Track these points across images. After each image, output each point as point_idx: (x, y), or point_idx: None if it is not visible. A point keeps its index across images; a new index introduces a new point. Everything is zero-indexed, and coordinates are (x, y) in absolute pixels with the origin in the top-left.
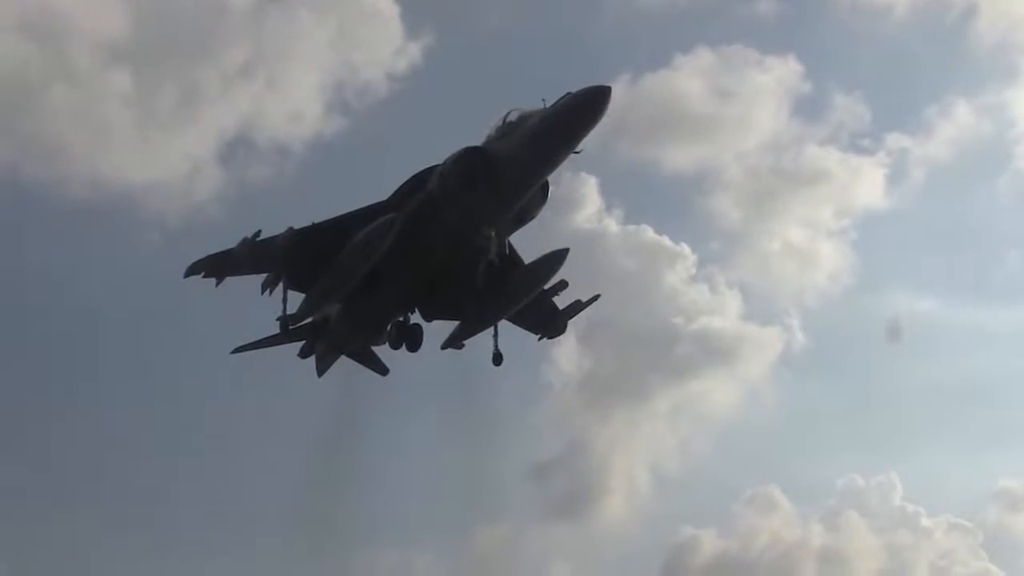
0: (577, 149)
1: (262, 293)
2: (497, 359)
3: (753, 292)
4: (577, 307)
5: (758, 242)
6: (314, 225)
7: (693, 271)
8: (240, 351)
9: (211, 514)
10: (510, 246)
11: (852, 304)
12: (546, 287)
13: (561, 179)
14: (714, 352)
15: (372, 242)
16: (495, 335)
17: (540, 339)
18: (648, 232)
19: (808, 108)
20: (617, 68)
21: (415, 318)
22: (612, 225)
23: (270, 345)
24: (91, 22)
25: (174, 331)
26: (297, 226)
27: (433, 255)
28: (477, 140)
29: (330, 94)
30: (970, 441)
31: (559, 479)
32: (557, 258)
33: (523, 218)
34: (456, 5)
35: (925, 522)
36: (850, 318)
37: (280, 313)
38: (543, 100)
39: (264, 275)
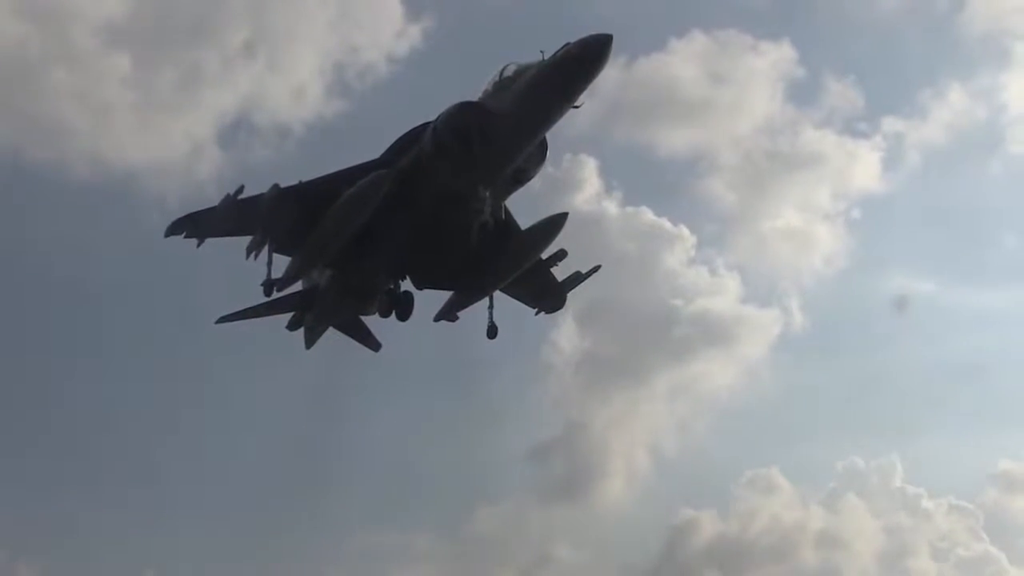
0: (577, 103)
1: (247, 257)
2: (492, 331)
3: (751, 274)
4: (577, 279)
5: (755, 225)
6: (301, 183)
7: (692, 253)
8: (225, 321)
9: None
10: (507, 211)
11: (850, 286)
12: (544, 256)
13: (561, 160)
14: (713, 334)
15: (362, 198)
16: (490, 306)
17: (537, 314)
18: (648, 214)
19: (802, 93)
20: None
21: (406, 286)
22: (611, 207)
23: (257, 316)
24: (91, 4)
25: (165, 302)
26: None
27: (425, 215)
28: None
29: (330, 76)
30: (970, 423)
31: (558, 460)
32: (556, 222)
33: (521, 178)
34: None
35: (926, 504)
36: (848, 300)
37: (266, 276)
38: (541, 52)
39: (249, 238)
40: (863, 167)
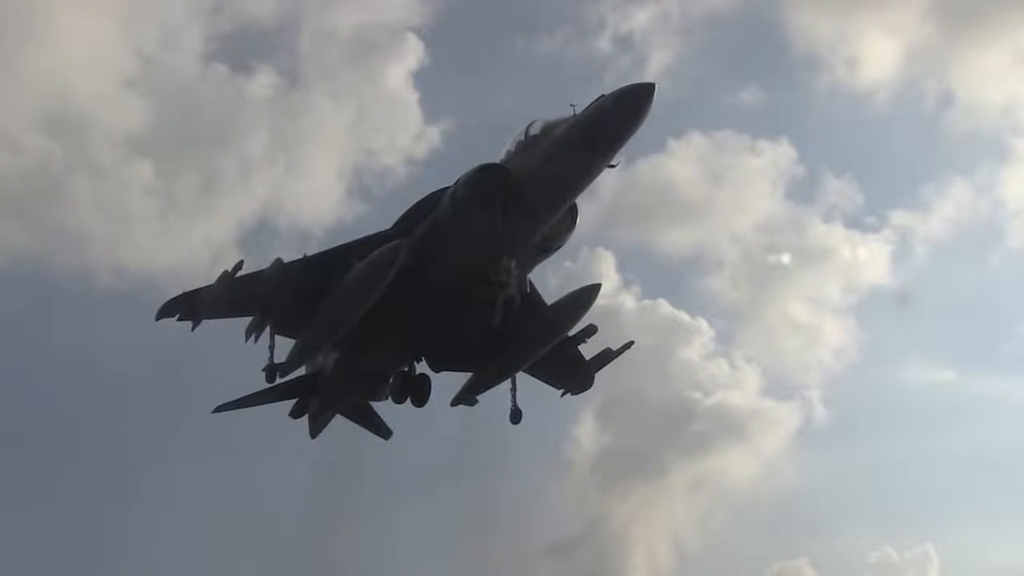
0: (613, 162)
1: (246, 339)
2: (515, 416)
3: (768, 369)
4: (607, 356)
5: (767, 320)
6: (306, 256)
7: (712, 347)
8: (223, 409)
9: None
10: (531, 284)
11: (867, 378)
12: (572, 333)
13: (579, 255)
14: (732, 427)
15: (373, 273)
16: (513, 388)
17: (563, 395)
18: (665, 307)
19: (801, 191)
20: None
21: (422, 367)
22: (628, 300)
23: (257, 403)
24: (111, 117)
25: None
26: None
27: (443, 290)
28: None
29: (350, 179)
30: (999, 513)
31: (580, 557)
32: (587, 295)
33: (548, 247)
34: (473, 88)
35: None
36: (866, 392)
37: (266, 362)
38: (572, 106)
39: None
40: (870, 261)
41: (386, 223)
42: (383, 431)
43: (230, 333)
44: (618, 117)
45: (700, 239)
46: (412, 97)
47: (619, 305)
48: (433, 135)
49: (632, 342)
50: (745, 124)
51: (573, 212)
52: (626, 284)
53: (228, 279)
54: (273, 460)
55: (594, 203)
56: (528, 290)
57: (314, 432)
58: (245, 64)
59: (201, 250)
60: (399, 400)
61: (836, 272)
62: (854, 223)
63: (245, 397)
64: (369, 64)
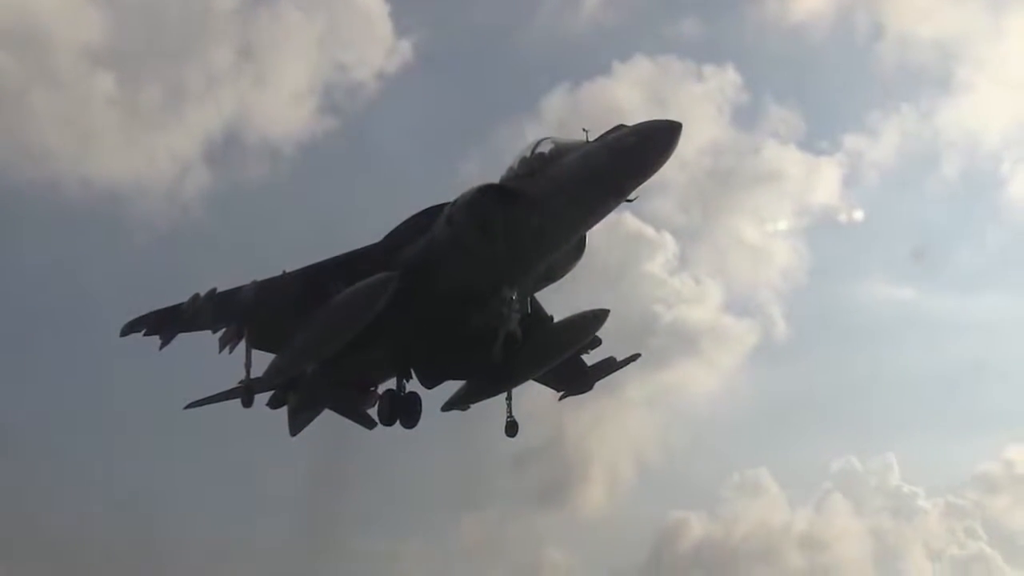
0: (631, 197)
1: (220, 351)
2: (511, 429)
3: (728, 286)
4: (610, 366)
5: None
6: (285, 275)
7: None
8: (195, 406)
9: None
10: (534, 300)
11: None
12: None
13: None
14: (692, 342)
15: (358, 306)
16: (508, 398)
17: (562, 398)
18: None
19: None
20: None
21: (412, 381)
22: None
23: (231, 398)
24: (71, 28)
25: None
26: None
27: (436, 318)
28: (469, 137)
29: (320, 95)
30: (954, 426)
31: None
32: (595, 320)
33: (551, 275)
34: (445, 3)
35: (922, 503)
36: (826, 309)
37: (244, 377)
38: (585, 131)
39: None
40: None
41: (357, 140)
42: (367, 421)
43: None
44: (639, 158)
45: None
46: (383, 9)
47: None
48: (405, 49)
49: (638, 354)
50: (688, 52)
51: (581, 240)
52: None
53: (200, 302)
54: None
55: (541, 126)
56: (529, 311)
57: (294, 429)
58: None
59: (167, 164)
60: (387, 423)
61: (788, 194)
62: (806, 147)
63: (219, 394)
64: None
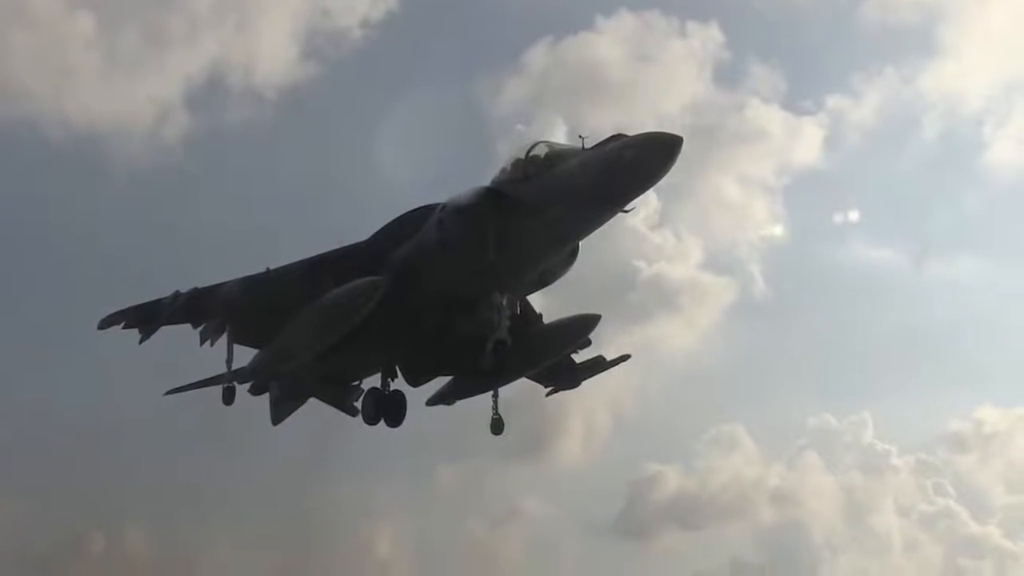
0: (627, 208)
1: (201, 344)
2: (497, 426)
3: (708, 244)
4: (598, 366)
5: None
6: (269, 272)
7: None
8: (176, 392)
9: None
10: (525, 300)
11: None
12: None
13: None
14: (671, 298)
15: (344, 310)
16: (495, 396)
17: (549, 393)
18: None
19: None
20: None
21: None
22: None
23: (212, 384)
24: None
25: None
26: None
27: (424, 321)
28: (453, 89)
29: (303, 41)
30: (931, 383)
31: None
32: (586, 324)
33: (544, 280)
34: None
35: (895, 461)
36: (801, 268)
37: (226, 372)
38: (581, 137)
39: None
40: (802, 143)
41: (340, 88)
42: (351, 409)
43: None
44: (636, 170)
45: (627, 120)
46: None
47: None
48: None
49: (628, 355)
50: (672, 8)
51: (574, 247)
52: None
53: (180, 300)
54: None
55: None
56: (519, 310)
57: (275, 418)
58: None
59: (148, 107)
60: (371, 422)
61: (770, 152)
62: (789, 106)
63: (201, 380)
64: None
